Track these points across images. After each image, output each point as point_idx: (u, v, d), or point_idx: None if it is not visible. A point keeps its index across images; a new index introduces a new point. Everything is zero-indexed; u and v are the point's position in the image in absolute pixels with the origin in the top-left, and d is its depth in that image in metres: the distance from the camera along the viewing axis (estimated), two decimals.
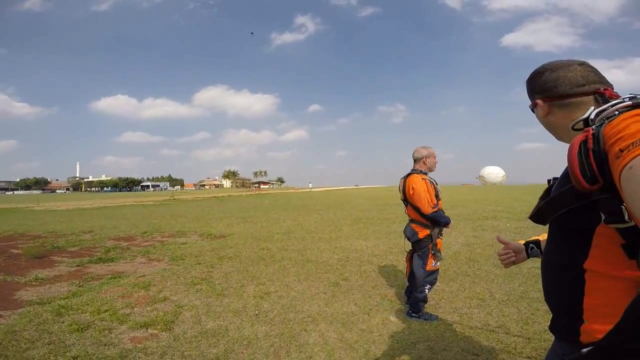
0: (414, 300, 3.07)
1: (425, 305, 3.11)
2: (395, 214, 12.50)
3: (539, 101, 0.92)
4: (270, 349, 2.54)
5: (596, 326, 0.75)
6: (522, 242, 1.23)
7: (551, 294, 0.91)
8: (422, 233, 3.06)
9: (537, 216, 0.90)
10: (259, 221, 11.09)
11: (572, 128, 0.83)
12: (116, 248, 6.56)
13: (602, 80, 0.86)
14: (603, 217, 0.70)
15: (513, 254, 1.24)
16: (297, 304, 3.44)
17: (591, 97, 0.84)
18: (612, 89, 0.85)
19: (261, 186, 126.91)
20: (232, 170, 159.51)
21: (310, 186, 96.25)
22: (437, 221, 3.02)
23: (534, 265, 4.80)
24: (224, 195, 41.82)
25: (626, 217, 0.65)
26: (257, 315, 3.17)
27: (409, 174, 3.15)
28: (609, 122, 0.68)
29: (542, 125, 1.01)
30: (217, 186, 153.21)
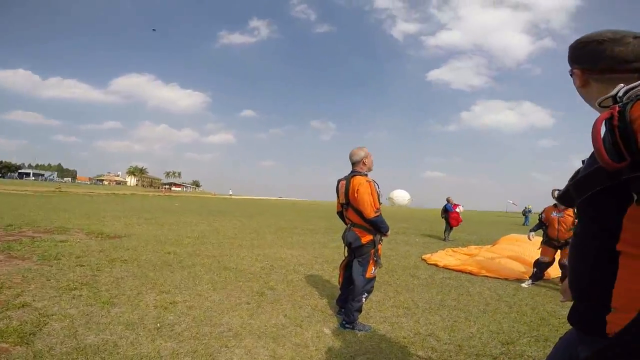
0: (348, 310, 2.81)
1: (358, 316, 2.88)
2: (318, 225, 12.45)
3: (577, 71, 0.86)
4: None
5: (624, 315, 0.67)
6: None
7: (580, 280, 0.83)
8: (365, 238, 2.85)
9: (565, 198, 0.85)
10: (167, 223, 9.79)
11: (599, 105, 0.77)
12: None
13: None
14: (635, 197, 0.66)
15: None
16: (213, 315, 2.86)
17: (637, 75, 0.78)
18: None
19: (172, 188, 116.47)
20: (139, 166, 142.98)
21: (231, 193, 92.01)
22: (379, 227, 2.85)
23: (445, 275, 5.12)
24: (127, 193, 36.87)
25: None
26: (158, 328, 2.49)
27: (352, 175, 2.92)
28: (638, 100, 0.65)
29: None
30: (118, 183, 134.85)
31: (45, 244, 5.18)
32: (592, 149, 0.82)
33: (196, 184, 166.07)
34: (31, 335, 2.21)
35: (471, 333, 2.88)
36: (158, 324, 2.57)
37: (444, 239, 10.33)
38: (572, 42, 0.90)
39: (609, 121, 0.66)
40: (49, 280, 3.40)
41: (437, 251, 7.45)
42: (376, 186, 2.91)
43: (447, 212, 10.61)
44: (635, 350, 0.60)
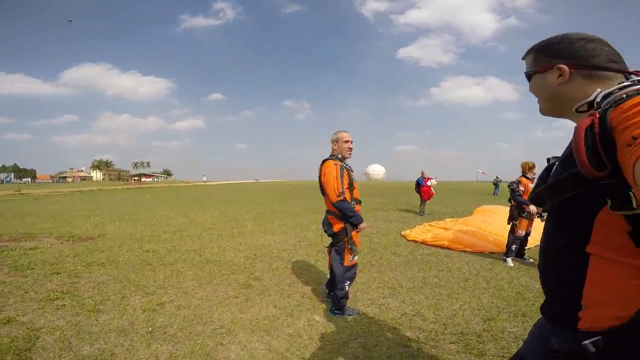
0: (335, 297, 2.88)
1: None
2: (298, 208, 12.52)
3: (563, 66, 0.82)
4: None
5: (596, 311, 0.72)
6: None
7: (550, 278, 0.87)
8: (337, 226, 2.79)
9: (538, 199, 0.86)
10: (140, 219, 9.48)
11: (576, 110, 0.78)
12: None
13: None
14: (609, 203, 0.66)
15: None
16: (203, 313, 2.89)
17: (621, 76, 0.79)
18: None
19: (142, 179, 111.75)
20: (104, 159, 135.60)
21: (205, 179, 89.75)
22: (344, 213, 2.71)
23: (424, 252, 5.34)
24: (93, 189, 35.07)
25: (634, 204, 0.62)
26: (151, 332, 2.50)
27: (323, 160, 2.88)
28: (617, 105, 0.65)
29: (531, 92, 0.94)
30: (83, 178, 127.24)
31: (14, 253, 4.91)
32: (563, 149, 0.85)
33: (167, 172, 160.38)
34: (27, 352, 2.17)
35: (454, 310, 2.99)
36: (150, 328, 2.58)
37: (419, 213, 10.70)
38: (547, 39, 0.89)
39: (590, 128, 0.65)
40: (27, 292, 3.27)
41: (415, 226, 7.73)
42: (347, 169, 2.80)
43: (419, 186, 10.96)
44: (634, 350, 0.61)
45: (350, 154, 2.89)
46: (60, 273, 3.95)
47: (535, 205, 0.91)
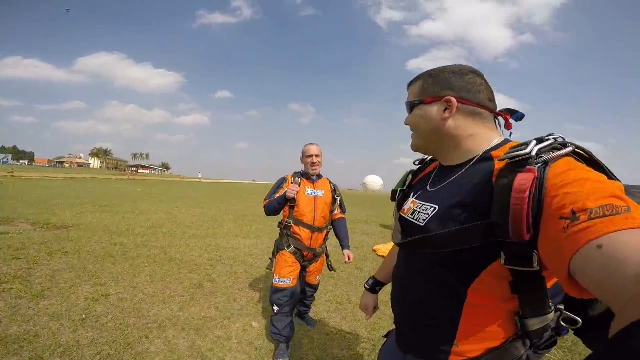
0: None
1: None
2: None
3: (452, 99, 0.77)
4: (95, 358, 2.09)
5: (467, 347, 0.73)
6: (367, 287, 1.33)
7: (417, 323, 0.82)
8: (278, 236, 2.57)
9: (415, 245, 0.76)
10: (122, 211, 9.52)
11: (510, 159, 0.65)
12: None
13: None
14: (503, 257, 0.61)
15: (374, 307, 1.32)
16: (143, 307, 2.96)
17: (492, 116, 0.80)
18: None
19: (139, 171, 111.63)
20: (104, 148, 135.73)
21: (200, 176, 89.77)
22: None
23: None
24: (87, 177, 35.04)
25: (535, 264, 0.58)
26: (84, 319, 2.58)
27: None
28: (553, 164, 0.59)
29: (406, 125, 0.89)
30: (80, 165, 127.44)
31: None
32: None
33: (165, 166, 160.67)
34: None
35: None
36: (84, 315, 2.65)
37: None
38: (441, 67, 0.83)
39: (531, 187, 0.57)
40: None
41: (390, 242, 7.79)
42: (296, 182, 2.46)
43: None
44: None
45: (313, 169, 2.50)
46: (20, 259, 4.02)
47: (407, 250, 0.82)
